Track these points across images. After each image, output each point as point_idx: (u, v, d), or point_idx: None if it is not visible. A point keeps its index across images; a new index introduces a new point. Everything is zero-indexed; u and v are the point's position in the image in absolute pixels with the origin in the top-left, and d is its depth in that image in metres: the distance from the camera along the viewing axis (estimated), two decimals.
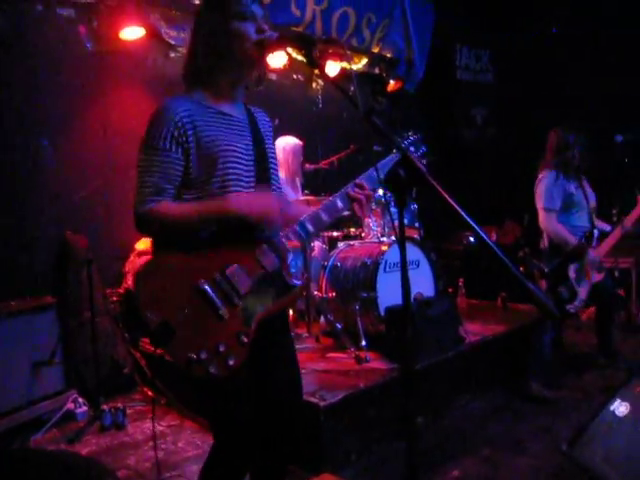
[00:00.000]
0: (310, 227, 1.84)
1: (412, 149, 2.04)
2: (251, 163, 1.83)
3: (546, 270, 3.85)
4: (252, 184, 1.82)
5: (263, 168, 1.88)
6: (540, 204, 3.94)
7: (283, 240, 1.80)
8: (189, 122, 1.72)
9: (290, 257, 1.82)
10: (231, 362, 1.65)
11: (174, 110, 1.72)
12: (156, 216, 1.68)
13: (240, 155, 1.79)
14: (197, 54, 1.83)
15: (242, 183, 1.78)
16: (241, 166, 1.79)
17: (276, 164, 1.99)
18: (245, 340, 1.68)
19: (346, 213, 1.92)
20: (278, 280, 1.80)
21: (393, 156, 1.88)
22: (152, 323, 1.60)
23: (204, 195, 1.74)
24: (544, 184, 3.94)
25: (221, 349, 1.64)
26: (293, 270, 1.89)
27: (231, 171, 1.75)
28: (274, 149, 2.01)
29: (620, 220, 4.02)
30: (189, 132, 1.71)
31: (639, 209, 3.97)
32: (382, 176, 1.84)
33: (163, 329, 1.59)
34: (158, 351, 1.65)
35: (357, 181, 1.88)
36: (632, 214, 3.98)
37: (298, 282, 1.84)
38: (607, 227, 4.12)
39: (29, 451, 2.69)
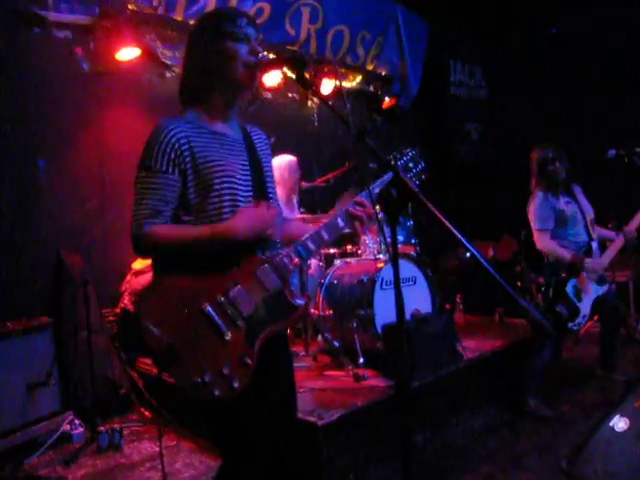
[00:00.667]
0: (311, 246, 1.84)
1: (411, 165, 2.05)
2: (248, 182, 1.83)
3: (543, 290, 3.85)
4: (250, 204, 1.81)
5: (260, 187, 1.88)
6: (533, 225, 3.99)
7: (285, 260, 1.79)
8: (185, 143, 1.73)
9: (292, 277, 1.82)
10: (236, 384, 1.65)
11: (170, 131, 1.72)
12: (153, 239, 1.69)
13: (235, 175, 1.79)
14: (190, 73, 1.86)
15: (239, 203, 1.78)
16: (237, 186, 1.78)
17: (273, 182, 1.99)
18: (249, 362, 1.68)
19: (347, 231, 1.93)
20: (280, 300, 1.79)
21: (388, 176, 1.88)
22: (157, 347, 1.60)
23: (202, 217, 1.74)
24: (533, 206, 4.00)
25: (225, 372, 1.63)
26: (294, 289, 1.89)
27: (227, 192, 1.75)
28: (271, 167, 2.01)
29: (620, 229, 4.02)
30: (185, 153, 1.72)
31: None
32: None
33: (168, 353, 1.59)
34: (164, 375, 1.66)
35: (357, 199, 1.88)
36: (634, 220, 3.99)
37: (301, 302, 1.83)
38: (611, 234, 4.12)
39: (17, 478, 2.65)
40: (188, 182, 1.73)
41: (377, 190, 1.87)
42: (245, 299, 1.70)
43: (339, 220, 1.87)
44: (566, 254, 3.84)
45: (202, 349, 1.63)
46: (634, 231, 3.97)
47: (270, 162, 2.02)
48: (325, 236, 1.86)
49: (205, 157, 1.74)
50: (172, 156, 1.71)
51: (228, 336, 1.66)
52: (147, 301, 1.66)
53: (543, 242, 3.93)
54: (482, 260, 1.39)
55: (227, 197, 1.75)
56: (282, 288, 1.78)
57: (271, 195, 1.94)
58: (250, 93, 1.89)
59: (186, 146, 1.72)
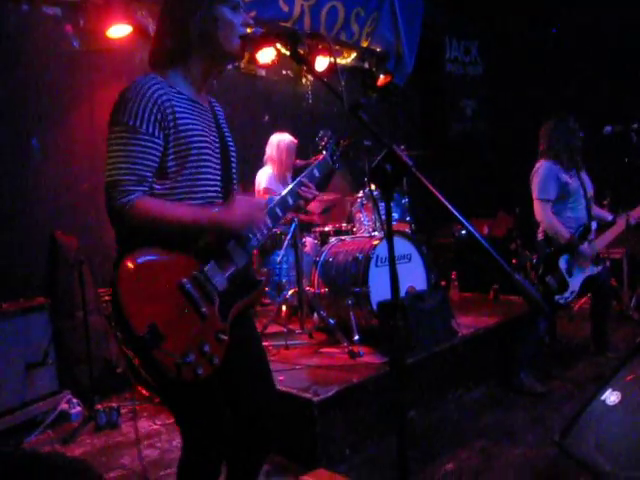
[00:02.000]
0: (269, 222, 1.86)
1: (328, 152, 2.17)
2: (217, 154, 1.78)
3: (534, 259, 3.85)
4: (218, 176, 1.76)
5: (226, 159, 1.84)
6: (535, 194, 3.91)
7: (250, 235, 1.78)
8: (169, 106, 1.62)
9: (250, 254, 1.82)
10: (216, 360, 1.61)
11: (155, 90, 1.61)
12: (139, 212, 1.56)
13: (211, 146, 1.74)
14: (170, 36, 1.72)
15: (210, 174, 1.73)
16: (212, 157, 1.74)
17: (235, 156, 1.94)
18: (224, 338, 1.65)
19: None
20: (247, 276, 1.79)
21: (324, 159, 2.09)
22: (139, 328, 1.49)
23: (175, 187, 1.66)
24: (539, 174, 3.91)
25: (206, 349, 1.59)
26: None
27: (204, 163, 1.70)
28: (233, 142, 1.94)
29: (623, 213, 4.00)
30: (169, 117, 1.61)
31: None
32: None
33: (152, 333, 1.49)
34: (151, 355, 1.51)
35: (302, 179, 1.97)
36: (638, 209, 3.98)
37: (262, 278, 1.89)
38: (608, 216, 4.11)
39: (13, 453, 2.67)
40: (168, 148, 1.63)
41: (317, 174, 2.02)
42: (218, 274, 1.67)
43: (289, 198, 1.95)
44: (565, 233, 3.81)
45: (183, 327, 1.57)
46: (636, 221, 3.95)
47: (231, 136, 1.94)
48: (279, 213, 1.90)
49: (186, 124, 1.65)
50: (158, 117, 1.59)
51: (205, 312, 1.61)
52: (124, 281, 1.53)
53: (544, 213, 3.85)
54: (477, 235, 1.39)
55: (203, 168, 1.70)
56: (248, 264, 1.79)
57: (234, 169, 1.91)
58: (230, 65, 1.85)
59: (170, 110, 1.62)
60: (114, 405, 3.57)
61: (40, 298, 3.68)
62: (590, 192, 4.03)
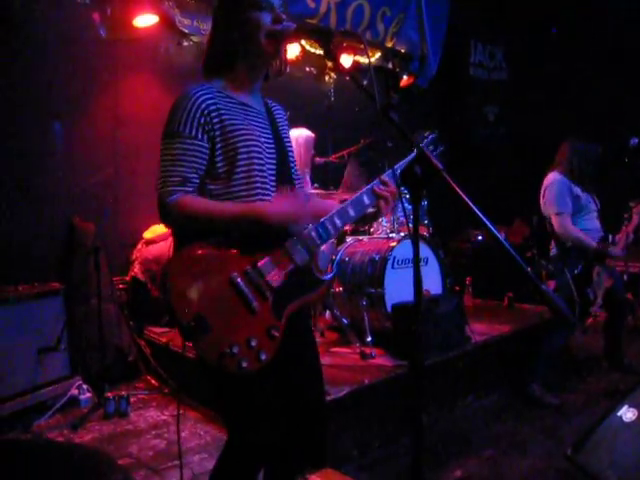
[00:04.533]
0: (338, 222, 1.82)
1: (431, 148, 2.03)
2: (272, 155, 1.82)
3: (576, 272, 3.79)
4: (273, 177, 1.80)
5: (284, 160, 1.88)
6: (553, 209, 3.86)
7: (312, 234, 1.77)
8: (215, 110, 1.70)
9: (320, 252, 1.80)
10: (263, 357, 1.63)
11: (200, 97, 1.69)
12: (182, 210, 1.65)
13: (262, 147, 1.78)
14: (216, 44, 1.83)
15: (265, 175, 1.77)
16: (264, 158, 1.77)
17: (294, 157, 1.99)
18: (276, 334, 1.66)
19: (371, 210, 1.92)
20: (307, 274, 1.78)
21: (411, 156, 1.85)
22: (186, 317, 1.56)
23: (230, 185, 1.72)
24: (554, 189, 3.88)
25: (253, 343, 1.62)
26: (321, 264, 1.88)
27: (256, 162, 1.74)
28: (291, 142, 2.00)
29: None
30: (215, 120, 1.70)
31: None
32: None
33: (198, 323, 1.56)
34: (189, 345, 1.61)
35: (382, 178, 1.87)
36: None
37: (327, 276, 1.82)
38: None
39: (24, 441, 2.68)
40: (216, 149, 1.71)
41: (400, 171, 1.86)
42: (274, 271, 1.69)
43: (365, 197, 1.85)
44: (591, 242, 3.78)
45: (230, 320, 1.61)
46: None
47: (289, 137, 2.01)
48: (351, 213, 1.84)
49: (233, 125, 1.72)
50: (202, 121, 1.68)
51: (256, 307, 1.64)
52: (174, 271, 1.62)
53: (565, 227, 3.81)
54: (504, 243, 1.36)
55: (256, 167, 1.74)
56: (309, 262, 1.77)
57: (293, 170, 1.95)
58: (276, 63, 1.85)
59: (215, 113, 1.70)
60: (123, 394, 3.57)
61: (55, 283, 3.70)
62: (598, 206, 4.00)
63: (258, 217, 1.67)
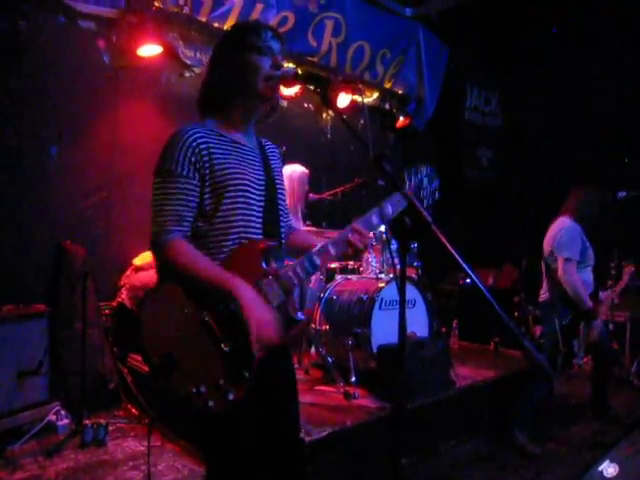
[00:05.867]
0: (318, 261, 1.81)
1: (425, 182, 2.05)
2: (262, 193, 1.84)
3: (564, 323, 3.79)
4: (260, 215, 1.82)
5: (272, 198, 1.89)
6: (564, 254, 3.78)
7: (289, 273, 1.76)
8: (205, 148, 1.73)
9: (296, 291, 1.79)
10: (231, 396, 1.62)
11: (191, 135, 1.72)
12: (174, 254, 1.66)
13: (250, 184, 1.80)
14: (213, 83, 1.86)
15: (252, 213, 1.79)
16: (251, 195, 1.79)
17: (284, 195, 2.01)
18: (246, 375, 1.64)
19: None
20: (282, 314, 1.75)
21: (394, 199, 1.85)
22: (156, 354, 1.59)
23: (213, 223, 1.74)
24: (568, 234, 3.81)
25: (221, 383, 1.61)
26: (308, 301, 1.87)
27: (240, 200, 1.75)
28: (282, 180, 2.02)
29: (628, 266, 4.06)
30: (205, 158, 1.72)
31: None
32: (385, 220, 1.82)
33: (166, 362, 1.58)
34: (159, 382, 1.62)
35: (354, 226, 1.82)
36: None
37: (302, 317, 1.81)
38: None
39: None
40: (205, 187, 1.73)
41: (390, 210, 1.84)
42: None
43: (330, 248, 1.82)
44: (587, 300, 3.75)
45: (200, 359, 1.62)
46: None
47: (282, 175, 2.03)
48: (332, 251, 1.82)
49: (222, 164, 1.74)
50: (193, 160, 1.70)
51: (227, 347, 1.64)
52: (149, 306, 1.65)
53: (570, 274, 3.74)
54: (488, 295, 1.38)
55: (240, 205, 1.76)
56: (285, 302, 1.76)
57: (281, 207, 1.96)
58: (270, 105, 1.89)
59: (205, 151, 1.72)
60: (102, 422, 3.51)
61: (40, 305, 3.67)
62: (595, 259, 4.00)
63: (233, 292, 1.63)
